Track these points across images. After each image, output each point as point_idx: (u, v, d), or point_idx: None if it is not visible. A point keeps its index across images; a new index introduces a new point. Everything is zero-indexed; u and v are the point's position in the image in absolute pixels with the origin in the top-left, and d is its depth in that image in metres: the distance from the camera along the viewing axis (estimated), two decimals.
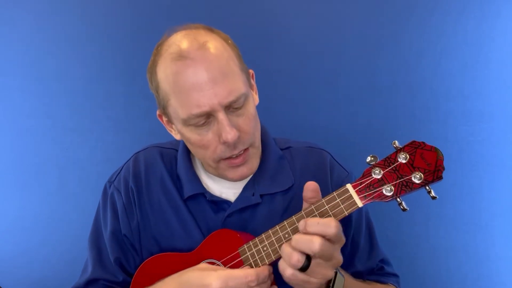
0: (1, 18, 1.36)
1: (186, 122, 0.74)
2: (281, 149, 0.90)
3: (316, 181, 0.85)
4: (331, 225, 0.59)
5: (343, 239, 0.63)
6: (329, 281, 0.65)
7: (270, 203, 0.84)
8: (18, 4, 1.35)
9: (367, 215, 0.92)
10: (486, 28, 1.23)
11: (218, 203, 0.84)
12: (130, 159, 0.92)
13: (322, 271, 0.62)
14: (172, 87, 0.73)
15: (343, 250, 0.66)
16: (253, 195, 0.83)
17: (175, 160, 0.89)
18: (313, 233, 0.60)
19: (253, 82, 0.84)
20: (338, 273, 0.66)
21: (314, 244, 0.58)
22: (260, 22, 1.34)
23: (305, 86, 1.34)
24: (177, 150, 0.90)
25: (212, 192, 0.85)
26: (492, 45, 1.24)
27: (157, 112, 0.84)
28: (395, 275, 0.92)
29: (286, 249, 0.62)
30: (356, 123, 1.32)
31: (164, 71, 0.74)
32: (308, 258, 0.60)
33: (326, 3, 1.30)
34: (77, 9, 1.35)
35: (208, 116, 0.72)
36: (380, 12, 1.28)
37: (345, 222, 0.87)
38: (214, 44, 0.73)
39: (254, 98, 0.83)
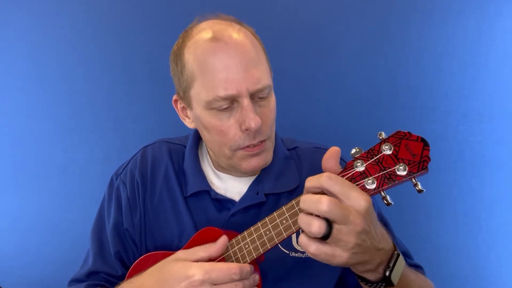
0: (2, 19, 1.36)
1: (209, 105, 0.73)
2: (288, 149, 0.90)
3: None
4: (331, 179, 0.55)
5: (359, 197, 0.55)
6: (388, 263, 0.61)
7: (275, 203, 0.83)
8: (19, 4, 1.35)
9: (379, 210, 0.90)
10: (486, 28, 1.23)
11: (223, 202, 0.83)
12: (138, 152, 0.92)
13: (344, 238, 0.55)
14: (201, 67, 0.72)
15: None
16: (258, 193, 0.82)
17: (183, 156, 0.89)
18: (316, 187, 0.56)
19: None
20: (401, 256, 0.62)
21: (322, 203, 0.54)
22: (261, 22, 1.34)
23: (305, 86, 1.34)
24: (185, 146, 0.90)
25: (217, 190, 0.83)
26: (492, 45, 1.24)
27: (174, 97, 0.83)
28: (420, 267, 0.89)
29: (303, 219, 0.56)
30: (356, 123, 1.32)
31: (194, 52, 0.73)
32: (330, 225, 0.55)
33: (326, 3, 1.30)
34: (78, 9, 1.35)
35: (232, 102, 0.72)
36: (380, 12, 1.28)
37: None
38: (247, 33, 0.76)
39: None
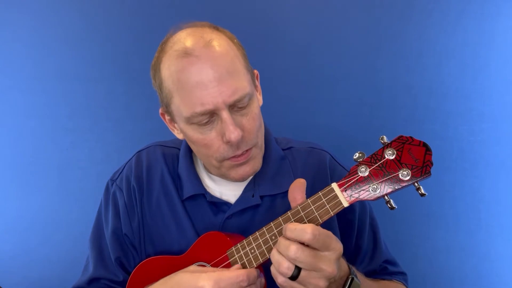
0: (1, 19, 1.36)
1: (189, 121, 0.73)
2: (283, 149, 0.89)
3: (316, 182, 0.84)
4: (306, 231, 0.57)
5: (335, 247, 0.59)
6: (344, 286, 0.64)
7: (270, 205, 0.83)
8: (18, 5, 1.35)
9: (371, 215, 0.91)
10: (486, 28, 1.23)
11: (218, 205, 0.83)
12: (132, 157, 0.91)
13: (313, 281, 0.58)
14: (175, 85, 0.72)
15: (345, 251, 0.63)
16: (253, 196, 0.82)
17: (177, 159, 0.88)
18: (290, 238, 0.59)
19: (257, 83, 0.83)
20: (354, 278, 0.64)
21: (290, 250, 0.57)
22: (261, 22, 1.34)
23: (305, 86, 1.34)
24: (179, 149, 0.90)
25: (212, 193, 0.84)
26: (492, 45, 1.24)
27: (160, 111, 0.82)
28: (402, 273, 0.90)
29: (275, 256, 0.60)
30: (356, 123, 1.32)
31: (168, 69, 0.73)
32: (299, 269, 0.58)
33: (327, 4, 1.30)
34: (77, 9, 1.36)
35: (212, 115, 0.71)
36: (380, 12, 1.28)
37: (348, 222, 0.86)
38: (220, 42, 0.72)
39: (258, 99, 0.81)
